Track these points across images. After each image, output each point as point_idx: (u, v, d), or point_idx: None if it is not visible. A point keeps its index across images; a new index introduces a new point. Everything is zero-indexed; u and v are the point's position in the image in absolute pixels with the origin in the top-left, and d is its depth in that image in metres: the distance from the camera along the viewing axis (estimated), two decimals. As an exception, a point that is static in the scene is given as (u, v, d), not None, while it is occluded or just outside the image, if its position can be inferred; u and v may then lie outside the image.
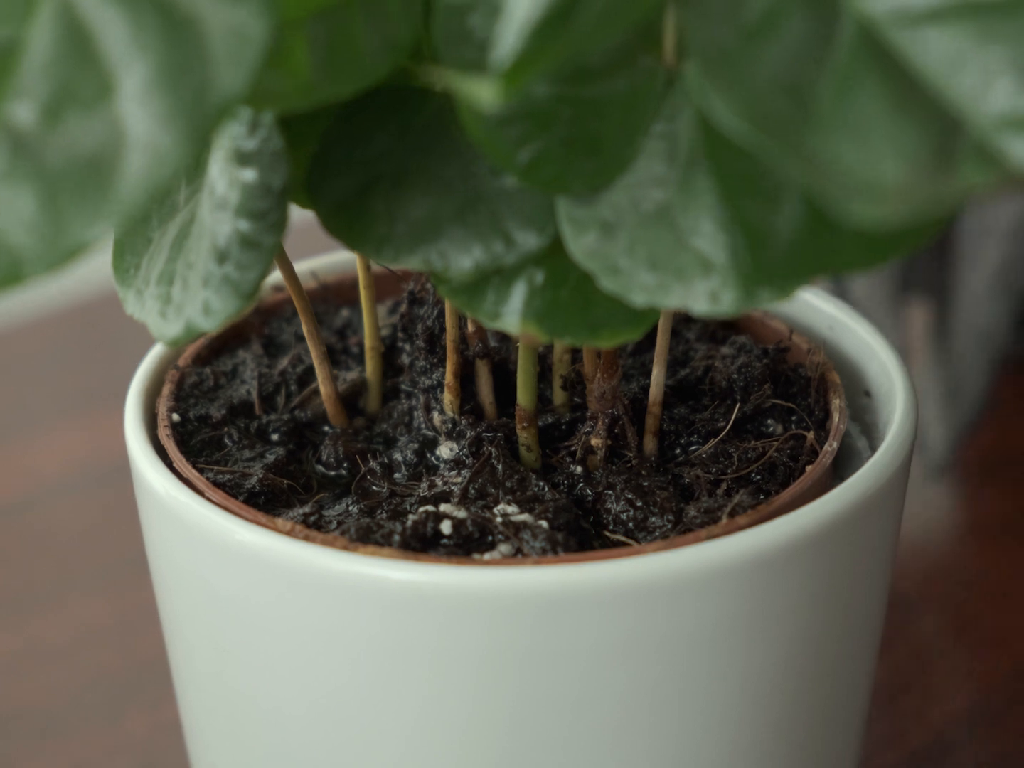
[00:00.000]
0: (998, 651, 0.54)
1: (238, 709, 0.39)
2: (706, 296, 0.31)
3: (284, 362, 0.43)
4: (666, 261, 0.31)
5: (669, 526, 0.37)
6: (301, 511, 0.38)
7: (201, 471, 0.39)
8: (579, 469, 0.39)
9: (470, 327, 0.40)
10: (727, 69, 0.27)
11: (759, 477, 0.39)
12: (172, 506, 0.37)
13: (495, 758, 0.36)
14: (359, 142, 0.34)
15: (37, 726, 0.52)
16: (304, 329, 0.40)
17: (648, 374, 0.40)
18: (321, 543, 0.35)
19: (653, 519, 0.37)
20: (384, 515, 0.37)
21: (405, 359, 0.42)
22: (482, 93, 0.27)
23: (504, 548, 0.36)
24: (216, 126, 0.26)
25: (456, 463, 0.39)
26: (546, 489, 0.38)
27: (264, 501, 0.39)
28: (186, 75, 0.26)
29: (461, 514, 0.36)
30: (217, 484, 0.39)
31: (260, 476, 0.39)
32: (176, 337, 0.34)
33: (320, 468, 0.41)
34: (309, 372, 0.43)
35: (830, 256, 0.30)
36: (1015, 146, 0.26)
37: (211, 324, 0.33)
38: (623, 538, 0.37)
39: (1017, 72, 0.26)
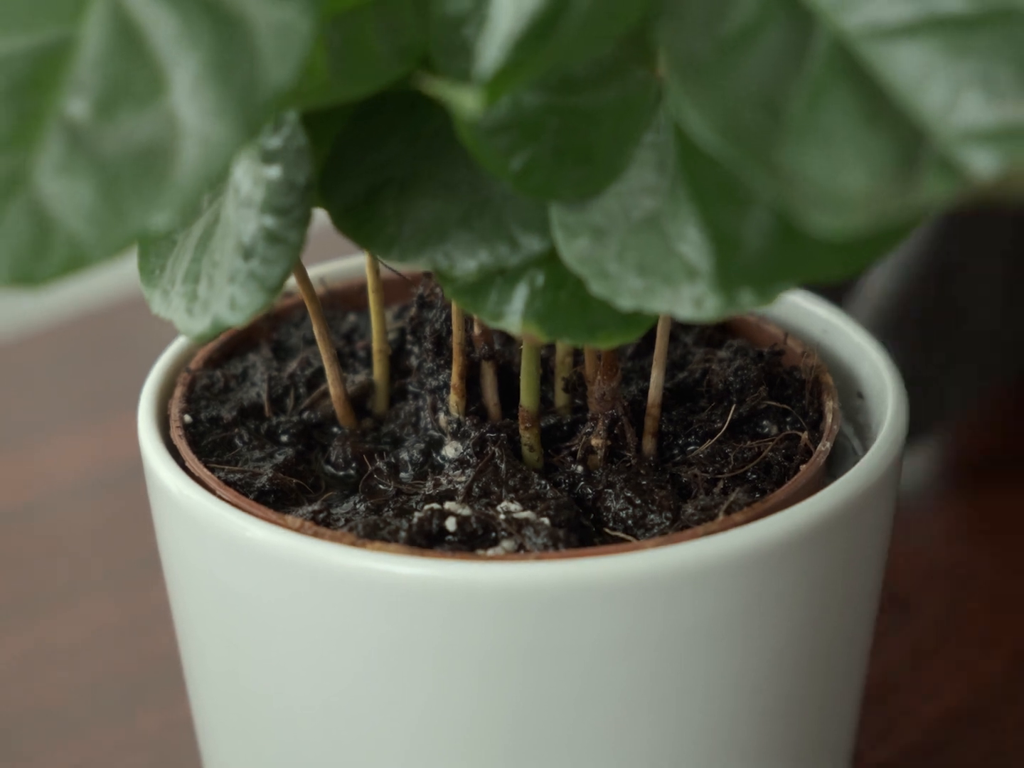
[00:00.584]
0: (990, 650, 0.54)
1: (249, 705, 0.39)
2: (691, 301, 0.31)
3: (293, 365, 0.43)
4: (654, 267, 0.31)
5: (667, 523, 0.37)
6: (310, 509, 0.38)
7: (212, 470, 0.39)
8: (580, 468, 0.39)
9: (476, 330, 0.40)
10: (702, 81, 0.27)
11: (755, 476, 0.39)
12: (184, 504, 0.37)
13: (500, 748, 0.36)
14: (370, 147, 0.34)
15: (49, 724, 0.52)
16: (315, 331, 0.40)
17: (647, 377, 0.40)
18: (330, 539, 0.35)
19: (652, 516, 0.37)
20: (391, 513, 0.38)
21: (413, 361, 0.42)
22: (466, 102, 0.27)
23: (507, 544, 0.36)
24: (266, 118, 0.27)
25: (461, 462, 0.39)
26: (548, 488, 0.38)
27: (274, 500, 0.39)
28: (235, 70, 0.27)
29: (465, 511, 0.37)
30: (228, 483, 0.39)
31: (270, 475, 0.39)
32: (203, 332, 0.34)
33: (329, 468, 0.41)
34: (317, 375, 0.43)
35: (803, 263, 0.30)
36: (977, 158, 0.26)
37: (238, 318, 0.33)
38: (622, 535, 0.37)
39: (984, 86, 0.26)
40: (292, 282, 0.42)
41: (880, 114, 0.27)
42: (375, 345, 0.42)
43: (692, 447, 0.40)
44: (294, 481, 0.39)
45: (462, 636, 0.35)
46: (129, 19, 0.27)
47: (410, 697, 0.36)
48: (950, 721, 0.51)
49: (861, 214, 0.26)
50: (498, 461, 0.38)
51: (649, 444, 0.40)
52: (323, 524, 0.37)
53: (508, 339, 0.42)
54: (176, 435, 0.40)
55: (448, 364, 0.40)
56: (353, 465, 0.40)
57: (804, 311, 0.45)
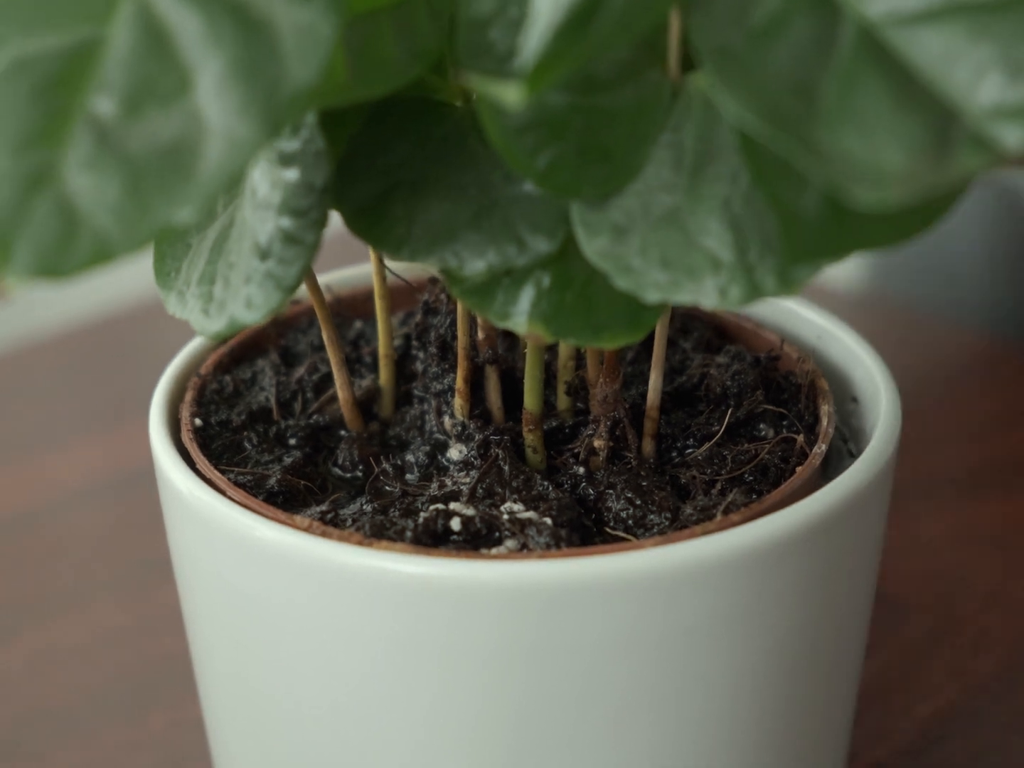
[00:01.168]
0: (983, 651, 0.54)
1: (257, 704, 0.39)
2: (716, 291, 0.32)
3: (300, 370, 0.43)
4: (677, 260, 0.32)
5: (666, 523, 0.37)
6: (318, 509, 0.38)
7: (222, 472, 0.39)
8: (581, 470, 0.39)
9: (480, 335, 0.40)
10: (736, 69, 0.28)
11: (752, 478, 0.39)
12: (195, 505, 0.37)
13: (504, 744, 0.37)
14: (382, 150, 0.35)
15: (58, 725, 0.52)
16: (324, 336, 0.40)
17: (647, 382, 0.40)
18: (337, 539, 0.36)
19: (651, 517, 0.38)
20: (397, 513, 0.38)
21: (418, 366, 0.42)
22: (507, 95, 0.28)
23: (510, 543, 0.36)
24: (289, 117, 0.27)
25: (465, 464, 0.39)
26: (550, 488, 0.38)
27: (282, 501, 0.39)
28: (259, 70, 0.27)
29: (470, 512, 0.37)
30: (237, 484, 0.39)
31: (278, 477, 0.39)
32: (220, 331, 0.34)
33: (336, 470, 0.41)
34: (324, 380, 0.43)
35: (856, 235, 0.31)
36: (1007, 133, 0.27)
37: (254, 317, 0.34)
38: (623, 534, 0.37)
39: (1005, 67, 0.27)
40: (300, 289, 0.42)
41: (910, 96, 0.28)
42: (381, 350, 0.42)
43: (691, 449, 0.40)
44: (302, 483, 0.40)
45: (467, 633, 0.35)
46: (156, 20, 0.28)
47: (416, 695, 0.36)
48: (944, 720, 0.51)
49: (901, 188, 0.27)
50: (502, 463, 0.38)
51: (649, 446, 0.40)
52: (331, 524, 0.37)
53: (511, 344, 0.42)
54: (187, 438, 0.41)
55: (453, 368, 0.41)
56: (360, 467, 0.41)
57: (800, 318, 0.45)
